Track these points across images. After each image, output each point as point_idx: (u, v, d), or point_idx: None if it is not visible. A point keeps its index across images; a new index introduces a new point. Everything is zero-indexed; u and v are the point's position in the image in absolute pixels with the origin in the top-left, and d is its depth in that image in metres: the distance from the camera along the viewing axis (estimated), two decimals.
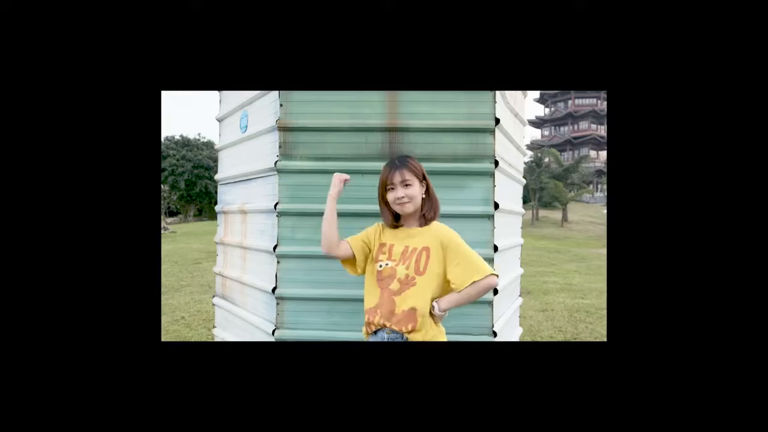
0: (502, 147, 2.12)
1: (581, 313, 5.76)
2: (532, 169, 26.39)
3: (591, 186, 31.10)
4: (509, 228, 2.42)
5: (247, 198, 2.40)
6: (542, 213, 27.81)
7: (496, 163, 1.97)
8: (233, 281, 2.53)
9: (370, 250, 1.65)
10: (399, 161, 1.62)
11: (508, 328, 2.36)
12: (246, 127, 2.40)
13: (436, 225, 1.67)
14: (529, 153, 31.39)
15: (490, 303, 1.96)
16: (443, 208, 1.78)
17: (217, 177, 2.82)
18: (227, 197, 2.70)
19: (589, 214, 27.86)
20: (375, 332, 1.57)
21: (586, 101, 43.79)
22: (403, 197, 1.59)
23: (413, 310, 1.56)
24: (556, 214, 27.07)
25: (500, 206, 2.00)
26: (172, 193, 26.62)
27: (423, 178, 1.63)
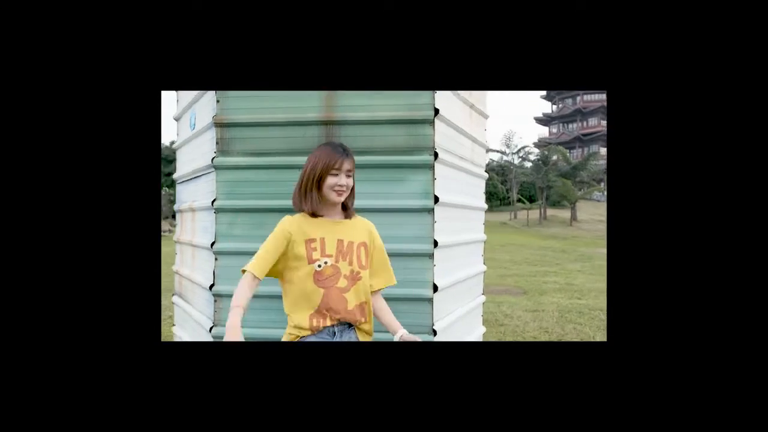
0: (447, 139, 2.07)
1: (573, 313, 5.68)
2: (539, 168, 26.24)
3: (602, 184, 30.76)
4: (464, 224, 2.36)
5: (195, 196, 2.38)
6: (550, 212, 27.61)
7: (436, 155, 1.91)
8: (186, 279, 2.52)
9: (284, 252, 1.55)
10: (344, 149, 1.59)
11: (462, 327, 2.30)
12: (194, 125, 2.38)
13: (362, 219, 1.69)
14: (536, 151, 31.18)
15: (430, 300, 1.91)
16: (384, 202, 1.74)
17: (174, 176, 2.81)
18: (182, 196, 2.69)
19: (600, 213, 27.59)
20: (320, 331, 1.54)
21: (595, 97, 43.26)
22: (344, 186, 1.56)
23: (364, 303, 1.60)
24: (565, 213, 26.85)
25: (442, 200, 1.95)
26: None
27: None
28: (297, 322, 1.55)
